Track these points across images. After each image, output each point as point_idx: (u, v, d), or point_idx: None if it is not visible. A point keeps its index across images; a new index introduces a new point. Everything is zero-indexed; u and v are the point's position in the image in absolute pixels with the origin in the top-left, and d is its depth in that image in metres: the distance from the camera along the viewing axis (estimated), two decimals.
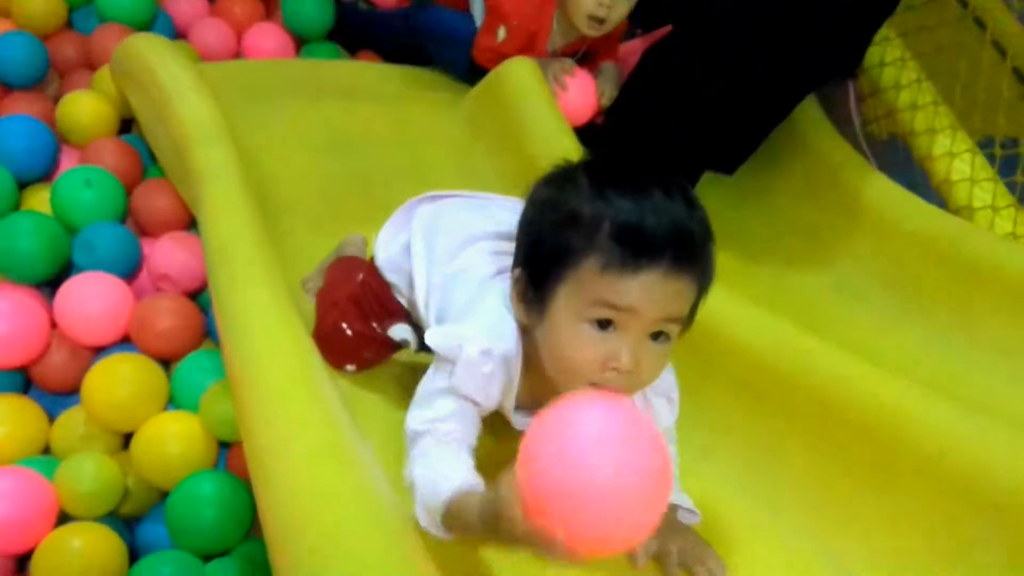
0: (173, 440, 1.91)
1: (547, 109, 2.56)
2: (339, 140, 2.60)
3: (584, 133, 2.59)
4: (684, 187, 1.28)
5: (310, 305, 1.88)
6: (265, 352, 1.44)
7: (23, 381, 2.15)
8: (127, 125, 2.73)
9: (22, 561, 1.85)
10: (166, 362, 2.12)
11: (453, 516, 1.22)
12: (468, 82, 2.91)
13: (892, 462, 1.54)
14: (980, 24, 2.75)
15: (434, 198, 1.66)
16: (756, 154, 2.72)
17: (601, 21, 2.68)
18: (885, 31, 2.76)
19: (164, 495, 1.91)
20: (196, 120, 2.13)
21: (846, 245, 2.55)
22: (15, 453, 1.96)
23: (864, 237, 2.52)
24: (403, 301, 1.66)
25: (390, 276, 1.65)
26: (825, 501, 1.60)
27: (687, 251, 1.23)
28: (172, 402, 2.04)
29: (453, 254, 1.52)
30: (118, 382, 1.98)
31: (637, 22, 3.02)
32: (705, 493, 1.52)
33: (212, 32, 3.11)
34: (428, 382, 1.38)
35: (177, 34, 3.13)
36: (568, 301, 1.26)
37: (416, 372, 1.71)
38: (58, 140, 2.59)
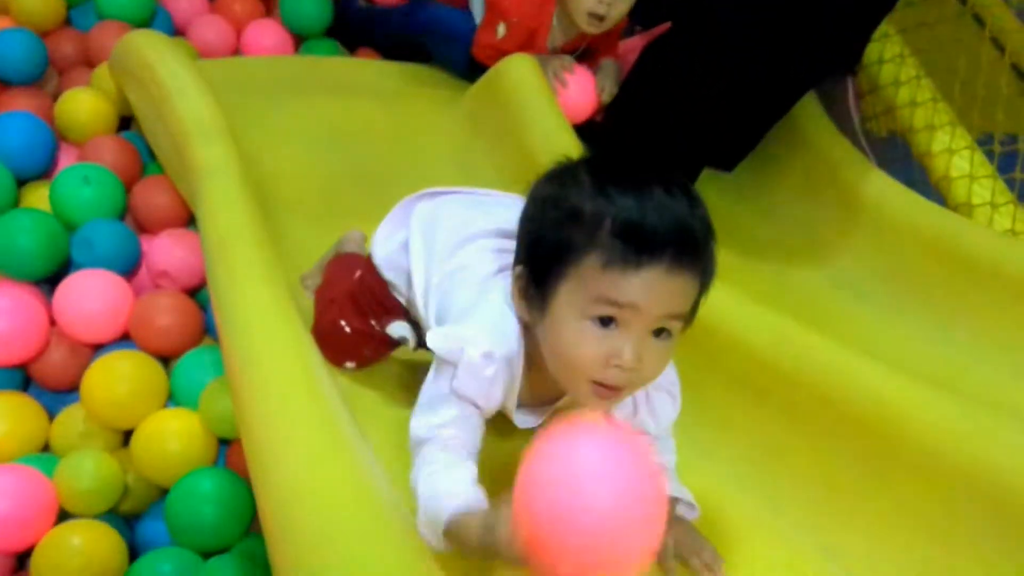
0: (173, 437, 1.91)
1: (547, 106, 2.56)
2: (338, 137, 2.61)
3: (584, 130, 2.59)
4: (685, 184, 1.28)
5: (309, 302, 1.88)
6: (264, 349, 1.44)
7: (22, 379, 2.15)
8: (126, 122, 2.73)
9: (22, 559, 1.85)
10: (165, 359, 2.12)
11: (453, 535, 1.23)
12: (468, 79, 2.91)
13: (892, 457, 1.54)
14: (979, 20, 2.75)
15: (433, 195, 1.66)
16: (755, 151, 2.73)
17: (601, 18, 2.68)
18: (884, 28, 2.76)
19: (164, 492, 1.91)
20: (195, 117, 2.13)
21: (845, 241, 2.56)
22: (15, 451, 1.96)
23: (863, 233, 2.52)
24: (401, 299, 1.66)
25: (388, 274, 1.65)
26: (825, 496, 1.61)
27: (689, 248, 1.23)
28: (171, 399, 2.04)
29: (452, 251, 1.52)
30: (117, 379, 1.98)
31: (636, 19, 3.02)
32: (705, 489, 1.51)
33: (211, 29, 3.11)
34: (430, 386, 1.38)
35: (176, 31, 3.13)
36: (570, 298, 1.26)
37: (415, 369, 1.72)
38: (57, 137, 2.59)
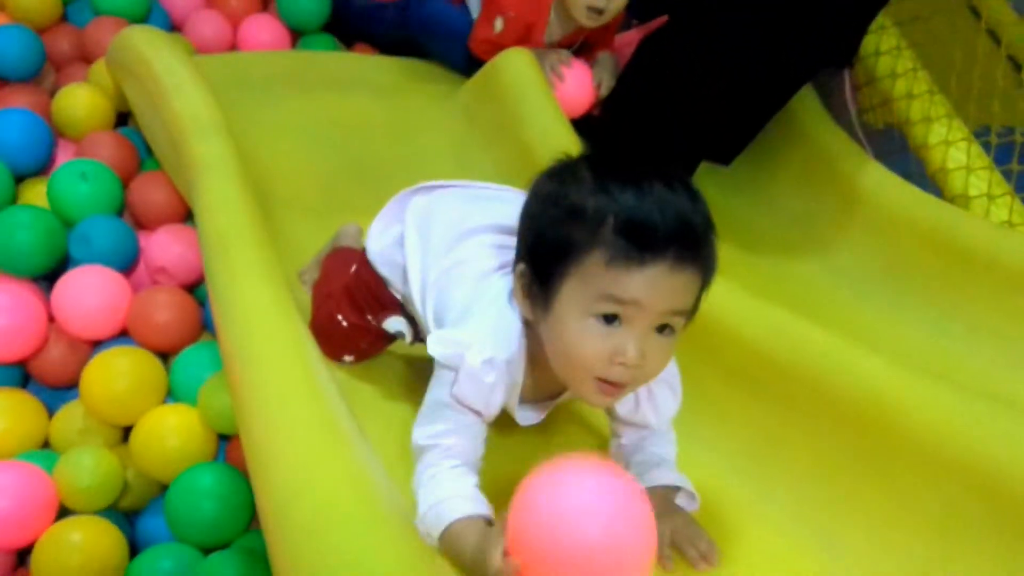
0: (172, 433, 1.91)
1: (544, 100, 2.56)
2: (335, 131, 2.61)
3: (581, 124, 2.59)
4: (685, 179, 1.29)
5: (307, 297, 1.88)
6: (262, 344, 1.44)
7: (21, 375, 2.15)
8: (123, 118, 2.73)
9: (22, 555, 1.85)
10: (164, 355, 2.11)
11: (448, 547, 1.27)
12: (464, 74, 2.91)
13: (889, 448, 1.54)
14: (975, 12, 2.75)
15: (428, 189, 1.66)
16: (752, 144, 2.73)
17: (600, 12, 2.68)
18: (880, 20, 2.76)
19: (163, 488, 1.91)
20: (192, 112, 2.13)
21: (843, 234, 2.56)
22: (14, 447, 1.96)
23: (860, 226, 2.53)
24: (397, 295, 1.66)
25: (382, 270, 1.65)
26: (822, 488, 1.61)
27: (691, 244, 1.24)
28: (171, 395, 2.04)
29: (450, 247, 1.52)
30: (116, 376, 1.97)
31: (633, 13, 3.02)
32: (703, 481, 1.52)
33: (208, 24, 3.11)
34: (431, 395, 1.39)
35: (173, 27, 3.13)
36: (573, 296, 1.26)
37: (413, 364, 1.73)
38: (54, 134, 2.58)
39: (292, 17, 3.22)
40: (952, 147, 2.53)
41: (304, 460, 1.20)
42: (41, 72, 2.84)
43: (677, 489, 1.48)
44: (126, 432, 2.00)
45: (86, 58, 2.91)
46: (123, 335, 2.16)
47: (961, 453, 1.45)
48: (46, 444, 2.04)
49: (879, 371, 1.61)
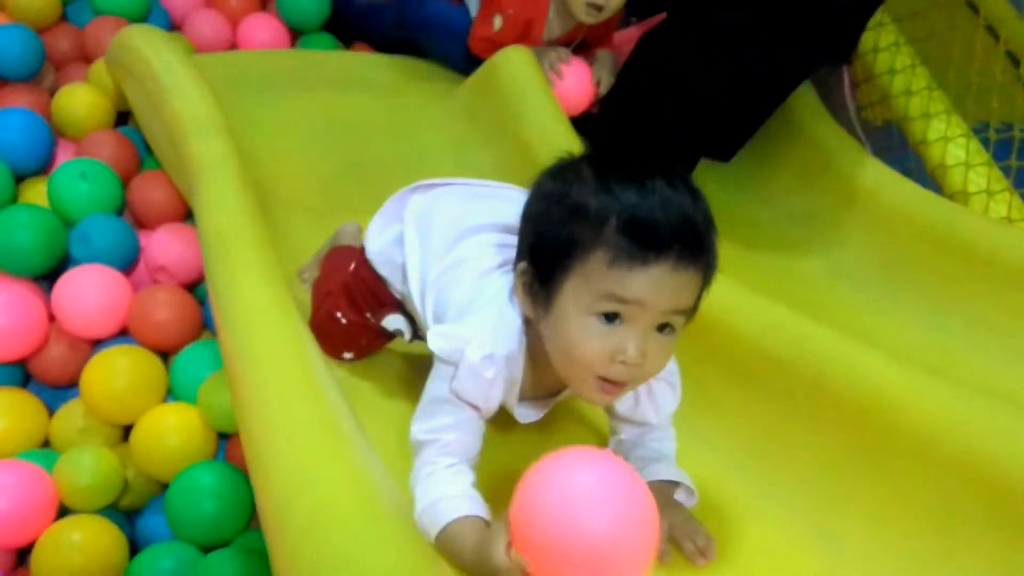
0: (172, 432, 1.91)
1: (543, 98, 2.56)
2: (335, 130, 2.61)
3: (580, 122, 2.59)
4: (687, 178, 1.29)
5: (307, 295, 1.88)
6: (262, 342, 1.44)
7: (22, 375, 2.15)
8: (123, 118, 2.73)
9: (22, 555, 1.85)
10: (164, 354, 2.12)
11: (446, 545, 1.28)
12: (463, 72, 2.91)
13: (888, 444, 1.54)
14: (973, 8, 2.75)
15: (427, 187, 1.66)
16: (752, 141, 2.73)
17: (600, 8, 2.68)
18: (879, 16, 2.76)
19: (164, 487, 1.91)
20: (191, 112, 2.13)
21: (842, 230, 2.56)
22: (14, 447, 1.96)
23: (860, 223, 2.53)
24: (395, 293, 1.66)
25: (381, 269, 1.65)
26: (821, 483, 1.61)
27: (694, 244, 1.25)
28: (171, 394, 2.04)
29: (450, 246, 1.52)
30: (116, 375, 1.98)
31: (632, 11, 3.02)
32: (702, 477, 1.52)
33: (207, 24, 3.11)
34: (430, 390, 1.39)
35: (172, 26, 3.13)
36: (575, 294, 1.27)
37: (413, 362, 1.73)
38: (54, 133, 2.58)
39: (292, 16, 3.22)
40: (951, 143, 2.53)
41: (304, 459, 1.20)
42: (41, 72, 2.84)
43: (676, 484, 1.48)
44: (126, 431, 2.00)
45: (86, 58, 2.91)
46: (123, 334, 2.17)
47: (960, 449, 1.46)
48: (46, 443, 2.04)
49: (878, 367, 1.61)
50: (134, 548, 1.86)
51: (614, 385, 1.30)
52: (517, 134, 2.50)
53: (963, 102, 2.62)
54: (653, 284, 1.22)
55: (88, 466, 1.86)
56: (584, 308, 1.26)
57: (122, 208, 2.43)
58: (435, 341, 1.36)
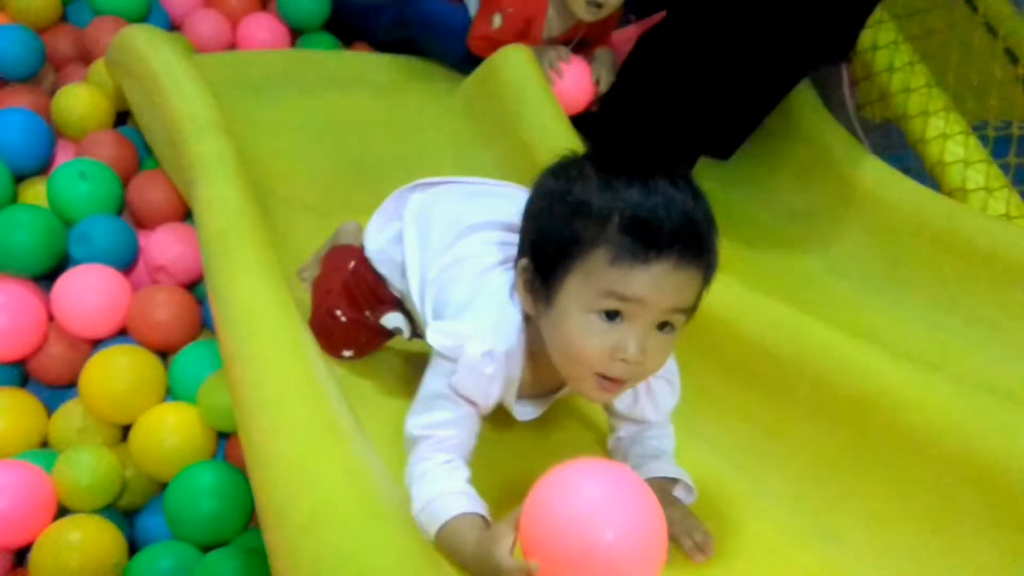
0: (171, 432, 1.92)
1: (543, 97, 2.56)
2: (334, 130, 2.61)
3: (580, 121, 2.59)
4: (689, 177, 1.30)
5: (306, 294, 1.88)
6: (261, 341, 1.44)
7: (21, 374, 2.15)
8: (123, 118, 2.73)
9: (21, 555, 1.85)
10: (163, 354, 2.12)
11: (446, 543, 1.29)
12: (463, 71, 2.91)
13: (888, 441, 1.54)
14: (972, 6, 2.75)
15: (426, 186, 1.66)
16: (751, 139, 2.73)
17: (599, 5, 2.67)
18: (878, 14, 2.76)
19: (163, 487, 1.91)
20: (191, 111, 2.13)
21: (841, 228, 2.57)
22: (13, 447, 1.96)
23: (859, 220, 2.53)
24: (394, 292, 1.66)
25: (380, 268, 1.65)
26: (820, 480, 1.61)
27: (695, 243, 1.25)
28: (170, 394, 2.05)
29: (449, 244, 1.52)
30: (116, 374, 1.98)
31: (631, 9, 3.02)
32: (700, 473, 1.53)
33: (207, 24, 3.11)
34: (427, 384, 1.39)
35: (172, 26, 3.13)
36: (576, 292, 1.27)
37: (412, 360, 1.73)
38: (54, 133, 2.59)
39: (292, 16, 3.22)
40: (950, 140, 2.53)
41: (303, 457, 1.20)
42: (41, 72, 2.84)
43: (675, 481, 1.49)
44: (125, 431, 2.00)
45: (85, 58, 2.91)
46: (122, 334, 2.17)
47: (959, 446, 1.45)
48: (45, 443, 2.04)
49: (878, 364, 1.61)
50: (133, 548, 1.86)
51: (614, 383, 1.30)
52: (517, 133, 2.50)
53: (962, 99, 2.62)
54: (654, 282, 1.23)
55: (87, 466, 1.86)
56: (585, 305, 1.26)
57: (121, 208, 2.43)
58: (434, 337, 1.36)
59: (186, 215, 2.41)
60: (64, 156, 2.54)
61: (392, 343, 1.78)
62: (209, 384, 1.93)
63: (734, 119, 2.67)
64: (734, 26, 2.46)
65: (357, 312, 1.71)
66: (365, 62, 3.14)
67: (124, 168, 2.48)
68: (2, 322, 2.05)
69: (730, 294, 1.77)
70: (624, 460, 1.53)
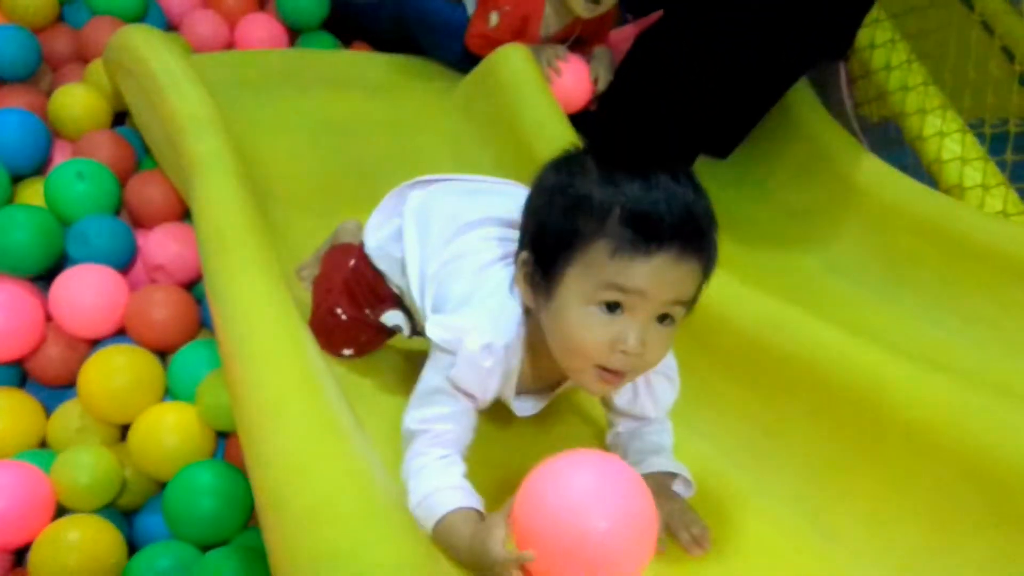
0: (170, 431, 1.91)
1: (541, 96, 2.56)
2: (333, 129, 2.61)
3: (578, 119, 2.59)
4: (689, 173, 1.30)
5: (305, 293, 1.88)
6: (260, 340, 1.44)
7: (19, 375, 2.15)
8: (120, 118, 2.73)
9: (20, 555, 1.85)
10: (162, 353, 2.12)
11: (442, 537, 1.29)
12: (461, 70, 2.91)
13: (886, 438, 1.54)
14: (968, 4, 2.75)
15: (426, 183, 1.67)
16: (749, 137, 2.73)
17: (597, 1, 2.68)
18: (875, 13, 2.77)
19: (162, 486, 1.91)
20: (189, 111, 2.13)
21: (839, 226, 2.57)
22: (12, 447, 1.96)
23: (857, 217, 2.54)
24: (394, 288, 1.67)
25: (380, 264, 1.66)
26: (819, 477, 1.61)
27: (696, 235, 1.26)
28: (169, 393, 2.04)
29: (449, 240, 1.53)
30: (114, 374, 1.98)
31: (628, 8, 3.02)
32: (700, 471, 1.53)
33: (205, 23, 3.11)
34: (426, 379, 1.40)
35: (170, 26, 3.13)
36: (576, 284, 1.28)
37: (412, 358, 1.73)
38: (51, 133, 2.59)
39: (291, 15, 3.22)
40: (947, 138, 2.54)
41: (302, 456, 1.20)
42: (38, 72, 2.85)
43: (674, 476, 1.49)
44: (124, 430, 2.00)
45: (83, 58, 2.92)
46: (121, 333, 2.17)
47: (957, 442, 1.46)
48: (44, 443, 2.04)
49: (875, 361, 1.61)
50: (132, 547, 1.86)
51: (614, 375, 1.31)
52: (515, 132, 2.50)
53: (959, 97, 2.62)
54: (655, 274, 1.23)
55: (86, 465, 1.86)
56: (585, 298, 1.27)
57: (119, 208, 2.43)
58: (434, 330, 1.36)
59: (184, 215, 2.41)
60: (61, 156, 2.54)
61: (392, 341, 1.78)
62: (208, 383, 1.93)
63: (732, 118, 2.68)
64: (732, 25, 2.47)
65: (357, 310, 1.71)
66: (364, 61, 3.14)
67: (122, 168, 2.48)
68: (0, 322, 2.05)
69: (729, 292, 1.78)
70: (623, 455, 1.53)
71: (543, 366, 1.42)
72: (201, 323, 2.19)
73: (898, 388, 1.55)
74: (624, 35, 2.94)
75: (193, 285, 2.28)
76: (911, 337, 2.17)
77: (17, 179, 2.47)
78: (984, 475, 1.42)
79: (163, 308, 2.13)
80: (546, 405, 1.54)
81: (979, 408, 1.49)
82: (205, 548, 1.81)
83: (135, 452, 1.93)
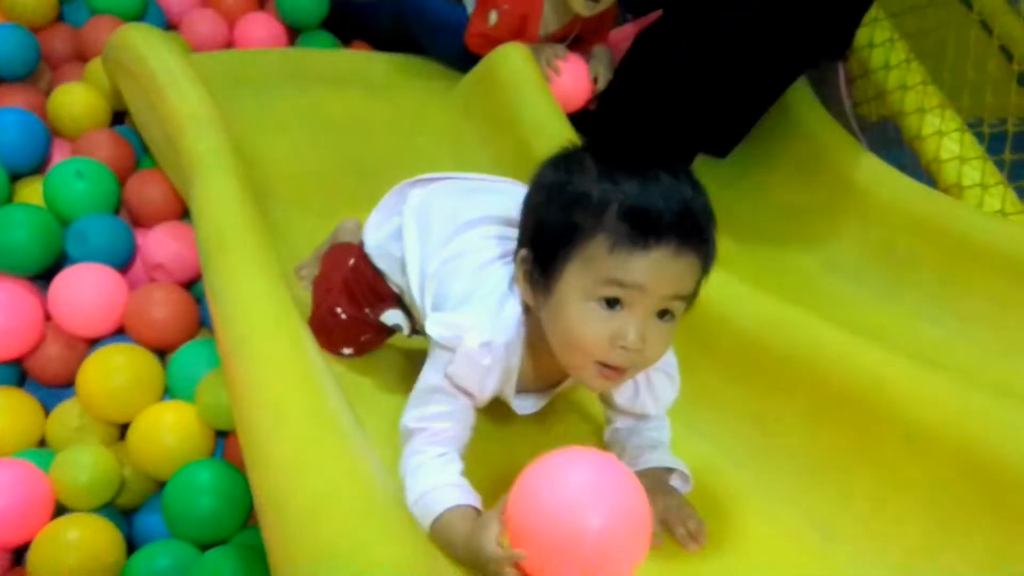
0: (169, 430, 1.91)
1: (540, 95, 2.57)
2: (332, 128, 2.61)
3: (577, 119, 2.59)
4: (688, 170, 1.31)
5: (305, 292, 1.88)
6: (260, 339, 1.44)
7: (18, 374, 2.15)
8: (119, 117, 2.73)
9: (19, 554, 1.85)
10: (161, 352, 2.12)
11: (440, 535, 1.29)
12: (460, 69, 2.91)
13: (883, 436, 1.54)
14: (967, 3, 2.75)
15: (426, 181, 1.67)
16: (749, 137, 2.73)
17: None
18: (874, 12, 2.77)
19: (161, 485, 1.91)
20: (188, 110, 2.13)
21: (838, 225, 2.57)
22: (11, 446, 1.96)
23: (856, 217, 2.53)
24: (394, 287, 1.67)
25: (379, 263, 1.66)
26: (815, 474, 1.61)
27: (694, 230, 1.26)
28: (168, 392, 2.05)
29: (449, 238, 1.53)
30: (113, 373, 1.98)
31: (627, 8, 3.02)
32: (698, 468, 1.53)
33: (204, 22, 3.10)
34: (425, 378, 1.40)
35: (169, 25, 3.13)
36: (576, 280, 1.28)
37: (412, 357, 1.73)
38: (50, 132, 2.59)
39: (291, 14, 3.22)
40: (946, 138, 2.54)
41: (301, 455, 1.20)
42: (37, 71, 2.85)
43: (671, 471, 1.50)
44: (123, 429, 2.00)
45: (82, 57, 2.92)
46: (120, 333, 2.17)
47: (955, 440, 1.46)
48: (43, 442, 2.04)
49: (874, 360, 1.61)
50: (131, 546, 1.86)
51: (614, 371, 1.31)
52: (515, 131, 2.51)
53: (958, 97, 2.62)
54: (654, 269, 1.24)
55: (85, 465, 1.86)
56: (585, 293, 1.27)
57: (118, 207, 2.43)
58: (434, 328, 1.37)
59: (183, 214, 2.41)
60: (60, 155, 2.54)
61: (392, 340, 1.78)
62: (207, 382, 1.93)
63: (731, 117, 2.68)
64: (731, 24, 2.46)
65: (357, 309, 1.71)
66: (363, 60, 3.14)
67: (121, 167, 2.48)
68: None
69: (728, 290, 1.78)
70: (621, 451, 1.54)
71: (543, 364, 1.42)
72: (200, 322, 2.19)
73: (898, 388, 1.55)
74: (623, 34, 2.94)
75: (192, 284, 2.28)
76: (911, 336, 2.17)
77: (16, 178, 2.47)
78: (984, 475, 1.42)
79: (162, 307, 2.13)
80: (546, 403, 1.54)
81: (979, 408, 1.49)
82: (204, 547, 1.81)
83: (134, 451, 1.93)
